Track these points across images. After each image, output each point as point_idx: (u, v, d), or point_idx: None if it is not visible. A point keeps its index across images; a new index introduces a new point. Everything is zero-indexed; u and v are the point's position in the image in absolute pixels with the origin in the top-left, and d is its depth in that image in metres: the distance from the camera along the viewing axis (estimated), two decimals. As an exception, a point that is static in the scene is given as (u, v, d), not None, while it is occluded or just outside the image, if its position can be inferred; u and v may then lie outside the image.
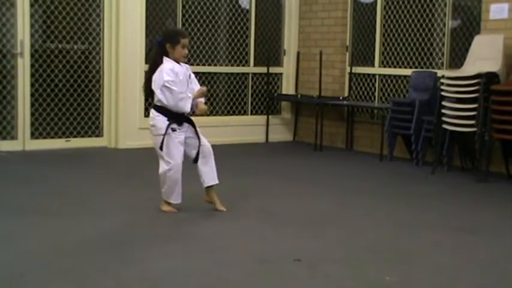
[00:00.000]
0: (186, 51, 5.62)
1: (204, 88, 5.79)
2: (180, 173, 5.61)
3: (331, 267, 4.40)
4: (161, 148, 5.55)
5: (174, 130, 5.56)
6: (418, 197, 6.70)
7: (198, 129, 5.71)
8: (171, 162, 5.57)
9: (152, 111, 5.63)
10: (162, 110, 5.55)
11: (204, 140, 5.70)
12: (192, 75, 5.74)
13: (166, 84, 5.44)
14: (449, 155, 7.96)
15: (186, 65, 5.70)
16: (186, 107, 5.53)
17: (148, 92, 5.66)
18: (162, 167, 5.62)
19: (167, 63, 5.52)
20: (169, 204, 5.70)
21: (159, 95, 5.50)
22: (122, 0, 9.02)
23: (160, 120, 5.55)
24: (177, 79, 5.49)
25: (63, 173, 7.41)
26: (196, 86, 5.74)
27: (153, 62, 5.64)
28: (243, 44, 10.23)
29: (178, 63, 5.57)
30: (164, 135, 5.52)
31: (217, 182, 5.77)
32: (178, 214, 5.64)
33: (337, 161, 8.84)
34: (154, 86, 5.52)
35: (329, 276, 4.22)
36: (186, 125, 5.65)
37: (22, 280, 3.99)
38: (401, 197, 6.68)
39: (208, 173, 5.71)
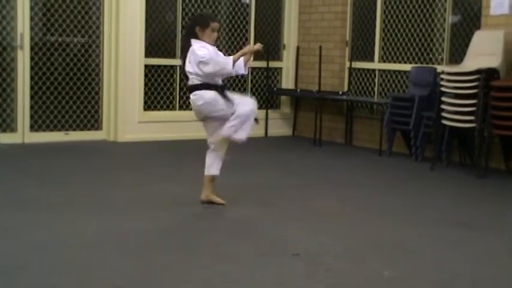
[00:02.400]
0: (216, 34, 5.63)
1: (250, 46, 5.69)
2: None
3: (330, 261, 4.40)
4: (232, 103, 5.52)
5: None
6: (417, 192, 6.71)
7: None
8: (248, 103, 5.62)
9: (195, 93, 5.56)
10: (203, 85, 5.52)
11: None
12: (221, 54, 5.68)
13: (201, 59, 5.42)
14: (448, 151, 7.97)
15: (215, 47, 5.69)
16: (229, 65, 5.46)
17: (184, 76, 5.68)
18: (233, 122, 5.52)
19: (196, 43, 5.52)
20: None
21: (202, 71, 5.45)
22: (122, -6, 9.03)
23: (208, 92, 5.51)
24: (210, 52, 5.49)
25: (62, 165, 7.42)
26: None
27: (182, 47, 5.75)
28: (243, 38, 10.23)
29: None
30: (224, 97, 5.51)
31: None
32: (177, 208, 5.64)
33: (336, 155, 8.85)
34: (192, 67, 5.49)
35: (328, 270, 4.23)
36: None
37: (25, 272, 4.00)
38: (400, 192, 6.69)
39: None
